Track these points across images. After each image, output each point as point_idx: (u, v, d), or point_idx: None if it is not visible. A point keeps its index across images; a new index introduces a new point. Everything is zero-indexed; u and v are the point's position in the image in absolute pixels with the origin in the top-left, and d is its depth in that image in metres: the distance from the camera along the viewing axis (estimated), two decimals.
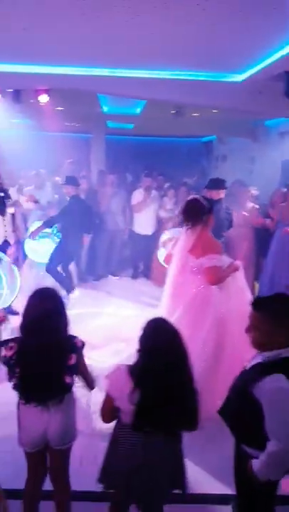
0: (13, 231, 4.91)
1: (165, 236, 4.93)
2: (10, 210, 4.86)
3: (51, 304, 2.03)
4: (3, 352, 2.05)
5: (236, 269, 3.33)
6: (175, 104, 6.79)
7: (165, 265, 3.80)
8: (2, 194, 4.83)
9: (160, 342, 1.89)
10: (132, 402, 1.83)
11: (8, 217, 4.86)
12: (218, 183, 5.13)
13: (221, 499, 2.59)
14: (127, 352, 3.83)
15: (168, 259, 3.66)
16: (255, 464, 1.84)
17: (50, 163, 8.66)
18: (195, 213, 3.35)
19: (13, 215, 4.93)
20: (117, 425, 2.01)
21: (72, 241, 5.54)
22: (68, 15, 2.94)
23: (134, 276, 6.94)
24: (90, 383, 2.20)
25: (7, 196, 4.90)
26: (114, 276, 6.93)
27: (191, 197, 3.55)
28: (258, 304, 1.93)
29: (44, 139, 10.03)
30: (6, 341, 2.09)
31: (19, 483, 2.27)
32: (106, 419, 2.00)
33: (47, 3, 2.75)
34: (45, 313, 1.99)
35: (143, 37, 3.33)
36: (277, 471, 1.83)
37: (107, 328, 4.85)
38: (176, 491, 2.06)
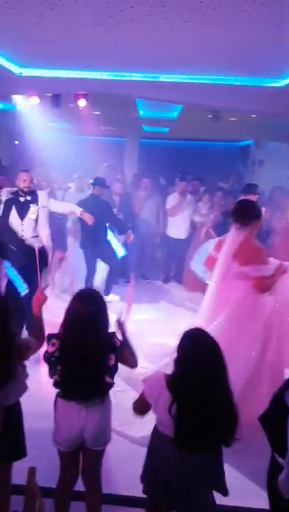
0: (32, 237, 4.49)
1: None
2: (32, 216, 4.49)
3: (95, 305, 2.05)
4: (46, 348, 2.09)
5: (284, 271, 3.24)
6: (213, 108, 6.75)
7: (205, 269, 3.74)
8: (29, 198, 4.49)
9: (198, 353, 1.86)
10: (168, 413, 1.82)
11: (27, 222, 4.46)
12: (250, 188, 5.07)
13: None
14: (157, 355, 3.85)
15: (210, 262, 3.60)
16: (281, 477, 1.78)
17: (85, 166, 8.78)
18: (247, 214, 3.29)
19: (35, 220, 4.53)
20: (154, 432, 2.01)
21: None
22: (110, 22, 2.97)
23: (166, 281, 6.92)
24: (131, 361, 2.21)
25: (33, 201, 4.51)
26: (145, 279, 6.94)
27: (243, 198, 3.52)
28: None
29: (79, 143, 10.21)
30: (49, 337, 2.13)
31: (53, 481, 2.30)
32: (139, 414, 2.05)
33: (89, 11, 2.79)
34: (89, 313, 2.01)
35: (185, 42, 3.32)
36: None
37: (136, 332, 4.85)
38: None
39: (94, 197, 5.77)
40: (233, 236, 3.30)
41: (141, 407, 2.01)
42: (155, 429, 1.99)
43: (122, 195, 6.78)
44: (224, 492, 2.00)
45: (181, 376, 1.86)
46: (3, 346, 2.00)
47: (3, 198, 4.53)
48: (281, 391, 1.86)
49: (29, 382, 2.19)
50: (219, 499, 2.05)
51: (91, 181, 6.23)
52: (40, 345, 2.23)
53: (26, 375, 2.24)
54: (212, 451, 1.93)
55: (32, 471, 1.67)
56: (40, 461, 2.51)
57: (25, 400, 2.21)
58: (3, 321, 2.03)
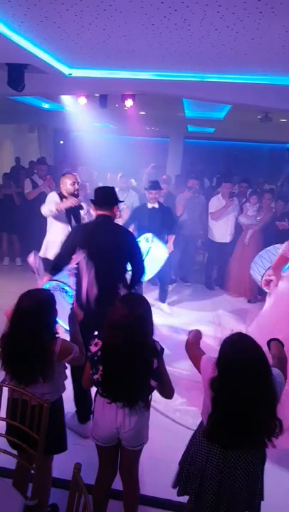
0: None
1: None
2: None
3: (141, 309, 2.04)
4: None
5: None
6: (262, 109, 6.59)
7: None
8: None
9: (239, 359, 1.79)
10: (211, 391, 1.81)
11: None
12: None
13: None
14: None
15: (280, 262, 3.57)
16: None
17: (129, 166, 8.83)
18: None
19: None
20: (199, 429, 1.99)
21: None
22: (164, 22, 2.95)
23: (207, 284, 6.81)
24: (168, 391, 2.16)
25: (80, 206, 4.48)
26: (185, 282, 6.87)
27: None
28: None
29: (123, 143, 10.30)
30: (93, 337, 2.14)
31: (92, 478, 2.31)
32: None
33: (143, 12, 2.79)
34: (135, 317, 2.00)
35: (239, 42, 3.25)
36: None
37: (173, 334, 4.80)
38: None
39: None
40: None
41: (193, 358, 2.09)
42: (200, 426, 1.98)
43: (165, 196, 6.74)
44: (260, 497, 1.95)
45: (221, 380, 1.81)
46: (38, 345, 2.02)
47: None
48: None
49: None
50: None
51: (145, 186, 6.11)
52: (81, 359, 2.23)
53: (65, 377, 2.27)
54: (248, 453, 1.87)
55: (78, 468, 1.68)
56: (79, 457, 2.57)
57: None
58: (39, 319, 2.04)
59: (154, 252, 4.56)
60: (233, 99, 5.01)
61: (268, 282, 3.79)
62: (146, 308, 2.06)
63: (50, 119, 10.50)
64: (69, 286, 2.88)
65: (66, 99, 7.40)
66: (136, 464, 2.26)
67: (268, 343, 2.16)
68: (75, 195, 4.29)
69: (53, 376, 2.09)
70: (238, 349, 1.80)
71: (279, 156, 12.44)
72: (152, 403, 2.22)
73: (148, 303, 2.10)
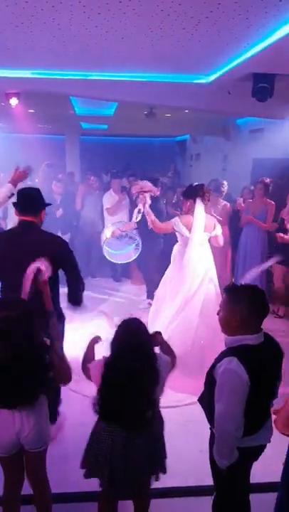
0: None
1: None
2: None
3: (15, 312, 1.98)
4: None
5: None
6: (146, 105, 6.85)
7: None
8: None
9: (124, 338, 1.98)
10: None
11: None
12: None
13: (202, 491, 2.66)
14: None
15: None
16: (214, 449, 1.94)
17: (25, 165, 8.56)
18: None
19: None
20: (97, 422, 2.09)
21: None
22: (32, 20, 2.95)
23: (116, 279, 6.99)
24: (63, 377, 2.14)
25: None
26: (94, 277, 6.96)
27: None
28: (226, 288, 2.06)
29: (16, 141, 9.93)
30: None
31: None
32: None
33: (9, 10, 2.76)
34: (13, 319, 1.92)
35: (110, 41, 3.36)
36: (221, 453, 1.89)
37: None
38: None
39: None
40: None
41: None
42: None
43: (63, 195, 6.70)
44: (163, 470, 2.14)
45: (110, 357, 1.99)
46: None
47: None
48: (211, 369, 1.98)
49: None
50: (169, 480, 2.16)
51: (37, 181, 6.01)
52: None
53: None
54: (142, 427, 2.01)
55: None
56: None
57: None
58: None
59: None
60: (116, 96, 5.16)
61: None
62: (23, 310, 1.98)
63: None
64: None
65: None
66: (42, 465, 2.22)
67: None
68: None
69: None
70: (128, 329, 2.00)
71: (169, 149, 13.06)
72: None
73: (27, 306, 2.05)
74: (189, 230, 3.94)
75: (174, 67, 4.26)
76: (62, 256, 2.74)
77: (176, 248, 4.21)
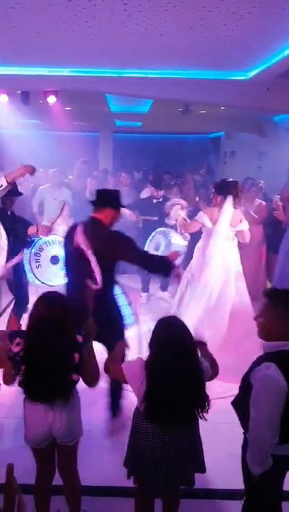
0: None
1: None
2: None
3: (60, 306, 2.04)
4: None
5: None
6: (182, 102, 6.80)
7: None
8: None
9: (167, 340, 1.93)
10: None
11: None
12: None
13: (232, 495, 2.62)
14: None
15: None
16: (247, 453, 1.89)
17: (61, 162, 8.69)
18: None
19: None
20: (136, 414, 2.06)
21: None
22: (73, 20, 2.98)
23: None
24: (91, 379, 2.15)
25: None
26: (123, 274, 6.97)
27: None
28: (267, 292, 1.99)
29: (53, 138, 10.11)
30: (13, 336, 2.09)
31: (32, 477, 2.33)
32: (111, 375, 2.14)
33: (52, 10, 2.80)
34: (56, 315, 1.99)
35: (150, 38, 3.36)
36: (255, 459, 1.84)
37: None
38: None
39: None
40: None
41: (118, 378, 2.10)
42: (137, 411, 2.04)
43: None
44: (202, 470, 2.10)
45: (153, 358, 1.94)
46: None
47: None
48: (247, 373, 1.94)
49: None
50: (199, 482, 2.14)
51: (71, 178, 6.08)
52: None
53: None
54: (185, 427, 2.00)
55: (10, 468, 1.69)
56: (19, 458, 2.56)
57: None
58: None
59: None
60: (152, 93, 5.14)
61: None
62: (65, 305, 2.04)
63: None
64: None
65: None
66: (73, 458, 2.27)
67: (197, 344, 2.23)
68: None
69: None
70: (169, 329, 1.96)
71: (203, 146, 12.91)
72: None
73: (66, 299, 2.09)
74: (213, 222, 3.94)
75: (212, 64, 4.21)
76: (123, 249, 2.80)
77: (200, 241, 4.21)
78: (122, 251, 2.79)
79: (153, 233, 4.79)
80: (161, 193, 5.75)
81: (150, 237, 4.79)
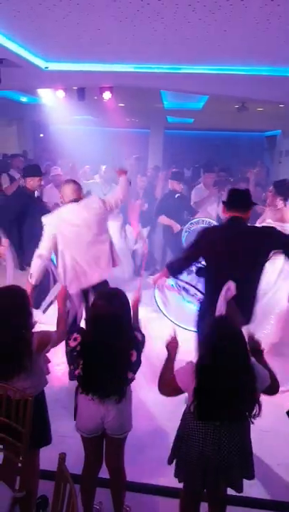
0: None
1: None
2: None
3: (118, 302, 2.07)
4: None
5: None
6: (239, 98, 6.64)
7: None
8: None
9: (221, 341, 1.88)
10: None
11: None
12: None
13: (281, 506, 2.54)
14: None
15: None
16: None
17: (111, 158, 8.79)
18: None
19: None
20: (187, 415, 2.03)
21: None
22: (136, 15, 2.96)
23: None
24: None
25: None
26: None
27: None
28: None
29: (104, 134, 10.24)
30: (71, 332, 2.16)
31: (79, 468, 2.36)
32: (165, 393, 2.08)
33: (115, 6, 2.80)
34: (113, 310, 2.03)
35: (212, 34, 3.28)
36: None
37: None
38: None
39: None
40: None
41: (170, 391, 2.06)
42: (188, 412, 2.02)
43: (145, 189, 6.75)
44: (250, 476, 2.04)
45: (205, 358, 1.91)
46: (14, 340, 2.03)
47: None
48: None
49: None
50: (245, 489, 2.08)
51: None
52: (62, 338, 2.27)
53: (47, 371, 2.31)
54: (236, 431, 1.95)
55: (62, 457, 1.72)
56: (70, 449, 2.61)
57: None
58: (11, 314, 2.06)
59: None
60: (209, 89, 5.06)
61: None
62: (124, 301, 2.09)
63: (28, 113, 10.36)
64: (194, 287, 2.83)
65: (44, 93, 7.31)
66: (121, 451, 2.31)
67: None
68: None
69: (32, 370, 2.10)
70: (220, 332, 1.93)
71: (257, 144, 12.55)
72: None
73: (125, 296, 2.13)
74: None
75: (272, 60, 4.06)
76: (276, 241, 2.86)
77: None
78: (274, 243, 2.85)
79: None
80: (181, 186, 6.01)
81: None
